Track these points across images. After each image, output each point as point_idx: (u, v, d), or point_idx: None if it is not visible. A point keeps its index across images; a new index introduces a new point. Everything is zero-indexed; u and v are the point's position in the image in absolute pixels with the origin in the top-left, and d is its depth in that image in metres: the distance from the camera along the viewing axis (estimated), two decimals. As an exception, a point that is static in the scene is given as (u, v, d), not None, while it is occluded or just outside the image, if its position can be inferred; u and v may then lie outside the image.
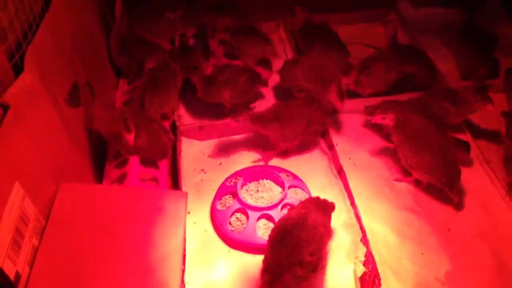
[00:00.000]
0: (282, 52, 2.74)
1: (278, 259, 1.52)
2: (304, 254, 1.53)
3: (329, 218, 1.72)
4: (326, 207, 1.73)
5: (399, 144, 2.01)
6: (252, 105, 2.37)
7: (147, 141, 1.95)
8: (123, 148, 1.94)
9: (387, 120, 2.00)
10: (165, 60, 2.30)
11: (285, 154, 2.18)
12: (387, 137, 2.16)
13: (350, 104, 2.33)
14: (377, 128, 2.25)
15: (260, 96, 2.44)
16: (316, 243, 1.57)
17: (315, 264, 1.57)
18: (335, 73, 2.19)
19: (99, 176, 1.99)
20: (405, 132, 1.98)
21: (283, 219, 1.65)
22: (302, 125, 2.08)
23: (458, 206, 1.96)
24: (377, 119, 2.02)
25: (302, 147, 2.21)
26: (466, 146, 2.11)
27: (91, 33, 2.25)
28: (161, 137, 2.00)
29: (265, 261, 1.57)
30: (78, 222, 1.60)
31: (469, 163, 2.12)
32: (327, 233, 1.69)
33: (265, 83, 2.40)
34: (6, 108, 1.37)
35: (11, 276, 1.32)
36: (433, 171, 1.93)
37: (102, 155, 2.06)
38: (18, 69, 1.51)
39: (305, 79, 2.23)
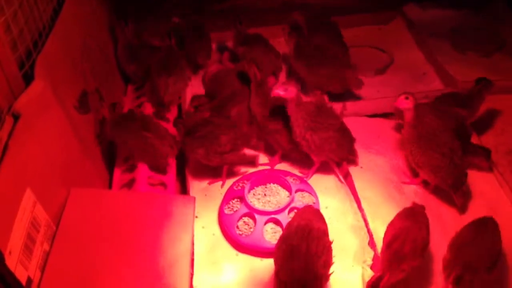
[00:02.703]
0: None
1: (293, 277, 1.50)
2: (317, 267, 1.50)
3: (327, 226, 1.68)
4: (322, 216, 1.69)
5: (409, 141, 2.01)
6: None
7: (141, 156, 2.02)
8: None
9: (409, 101, 1.96)
10: (171, 46, 2.45)
11: (291, 158, 2.19)
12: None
13: (355, 107, 2.35)
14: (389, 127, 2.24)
15: (250, 161, 2.14)
16: (325, 255, 1.56)
17: (328, 274, 1.56)
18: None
19: (109, 181, 2.02)
20: (417, 129, 1.99)
21: (286, 237, 1.60)
22: None
23: (462, 209, 1.96)
24: (400, 101, 1.98)
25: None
26: (486, 153, 2.09)
27: (100, 41, 2.29)
28: (157, 148, 2.02)
29: (277, 279, 1.54)
30: (88, 227, 1.63)
31: (476, 166, 2.12)
32: (330, 242, 1.64)
33: (257, 146, 2.18)
34: (17, 117, 1.40)
35: (23, 281, 1.35)
36: (440, 172, 1.93)
37: (111, 161, 2.09)
38: (28, 78, 1.54)
39: None
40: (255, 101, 2.15)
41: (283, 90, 1.94)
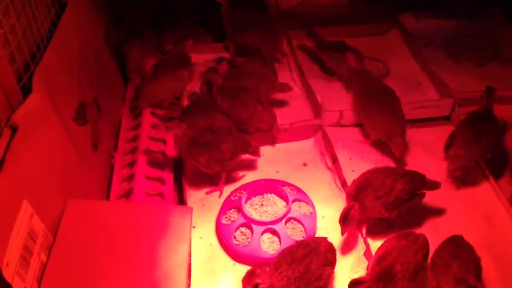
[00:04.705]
0: (286, 65, 2.79)
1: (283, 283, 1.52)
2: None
3: (334, 263, 1.67)
4: (332, 251, 1.68)
5: (353, 97, 2.30)
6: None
7: None
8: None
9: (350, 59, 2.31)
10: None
11: (289, 167, 2.21)
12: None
13: (352, 116, 2.36)
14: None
15: (249, 166, 2.21)
16: (323, 281, 1.56)
17: None
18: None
19: (106, 192, 2.03)
20: (360, 84, 2.27)
21: (290, 246, 1.66)
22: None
23: (401, 161, 2.13)
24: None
25: (307, 161, 2.25)
26: None
27: (98, 52, 2.30)
28: None
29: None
30: (85, 238, 1.63)
31: (472, 175, 2.13)
32: (332, 276, 1.64)
33: (255, 152, 2.17)
34: (14, 129, 1.41)
35: (20, 292, 1.35)
36: (378, 126, 2.15)
37: (109, 171, 2.10)
38: (26, 90, 1.55)
39: None
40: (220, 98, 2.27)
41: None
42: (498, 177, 2.12)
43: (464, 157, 2.03)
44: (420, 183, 1.88)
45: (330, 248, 1.67)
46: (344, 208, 1.78)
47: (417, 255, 1.60)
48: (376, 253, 1.68)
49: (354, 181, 1.87)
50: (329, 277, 1.62)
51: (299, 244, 1.66)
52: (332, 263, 1.64)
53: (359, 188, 1.81)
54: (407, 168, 2.16)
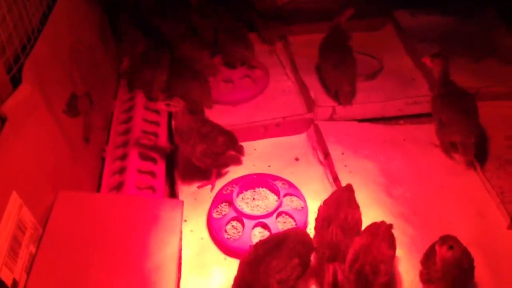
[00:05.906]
0: (279, 63, 2.79)
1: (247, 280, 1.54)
2: (271, 281, 1.52)
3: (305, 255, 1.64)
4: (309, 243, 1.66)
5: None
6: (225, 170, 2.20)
7: None
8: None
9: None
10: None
11: (281, 161, 2.21)
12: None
13: (344, 111, 2.36)
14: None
15: (235, 161, 2.22)
16: (286, 273, 1.55)
17: None
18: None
19: (97, 184, 2.02)
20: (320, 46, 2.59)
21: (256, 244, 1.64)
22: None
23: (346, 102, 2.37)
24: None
25: (299, 155, 2.25)
26: None
27: (90, 45, 2.28)
28: None
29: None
30: (75, 230, 1.63)
31: (464, 171, 2.14)
32: (303, 266, 1.61)
33: (240, 151, 2.20)
34: (3, 120, 1.41)
35: (8, 283, 1.35)
36: (327, 77, 2.51)
37: (100, 164, 2.09)
38: (16, 81, 1.54)
39: None
40: None
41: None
42: (488, 173, 2.13)
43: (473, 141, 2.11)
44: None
45: (301, 240, 1.64)
46: (327, 276, 1.63)
47: (380, 247, 1.59)
48: (348, 257, 1.64)
49: (317, 246, 1.71)
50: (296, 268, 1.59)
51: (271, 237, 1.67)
52: (301, 255, 1.61)
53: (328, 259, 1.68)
54: (399, 162, 2.18)
